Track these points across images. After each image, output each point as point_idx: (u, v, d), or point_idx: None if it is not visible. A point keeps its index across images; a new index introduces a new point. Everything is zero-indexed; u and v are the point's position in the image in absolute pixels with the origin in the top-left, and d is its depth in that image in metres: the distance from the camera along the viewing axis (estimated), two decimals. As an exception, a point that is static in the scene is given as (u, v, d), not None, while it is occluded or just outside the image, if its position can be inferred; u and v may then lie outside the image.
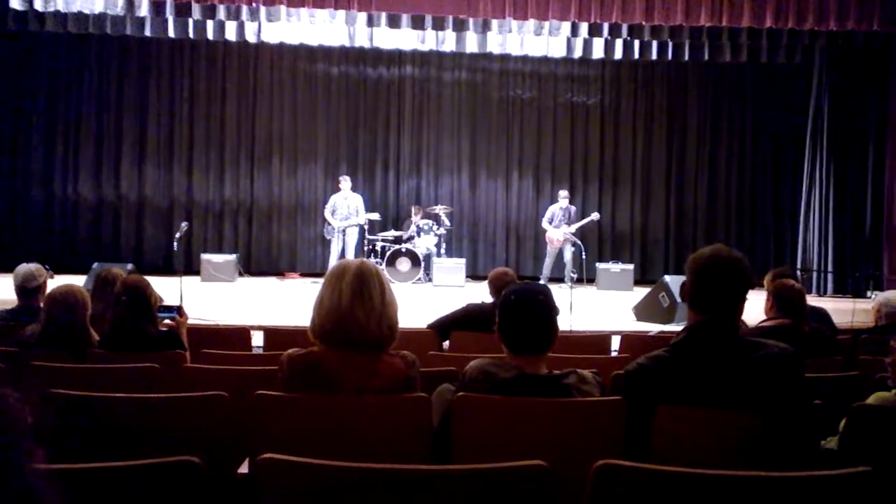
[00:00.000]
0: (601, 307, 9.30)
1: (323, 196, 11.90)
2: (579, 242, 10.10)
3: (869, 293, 10.69)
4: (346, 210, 11.10)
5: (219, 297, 9.25)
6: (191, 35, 10.45)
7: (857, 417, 2.43)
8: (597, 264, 11.53)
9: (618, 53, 10.89)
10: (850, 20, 9.32)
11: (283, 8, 9.64)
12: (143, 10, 9.76)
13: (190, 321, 4.14)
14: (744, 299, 2.25)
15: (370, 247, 11.32)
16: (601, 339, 4.71)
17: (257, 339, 4.88)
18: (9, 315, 4.35)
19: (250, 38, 10.57)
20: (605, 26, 10.14)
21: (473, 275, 11.81)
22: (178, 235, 8.59)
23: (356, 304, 2.28)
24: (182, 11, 9.89)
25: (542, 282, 9.54)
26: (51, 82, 12.09)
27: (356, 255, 10.94)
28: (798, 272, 11.25)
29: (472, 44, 10.72)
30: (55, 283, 4.00)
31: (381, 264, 10.61)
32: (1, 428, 0.85)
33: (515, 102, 12.85)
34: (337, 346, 2.30)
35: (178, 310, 3.94)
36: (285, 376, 2.32)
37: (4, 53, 11.55)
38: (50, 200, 12.15)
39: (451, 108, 12.84)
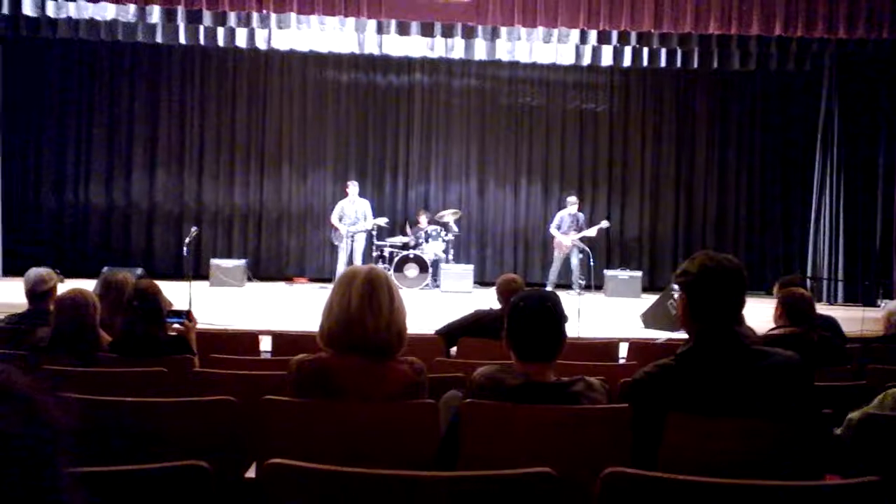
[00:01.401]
0: (609, 314, 9.28)
1: (332, 202, 11.93)
2: (587, 249, 10.07)
3: (879, 302, 10.64)
4: (353, 215, 11.11)
5: (228, 302, 9.27)
6: (201, 42, 10.51)
7: (866, 426, 2.41)
8: (605, 271, 11.49)
9: (627, 61, 10.88)
10: (859, 28, 9.29)
11: (293, 15, 9.68)
12: (155, 16, 9.82)
13: (199, 326, 4.14)
14: (743, 301, 2.24)
15: (378, 252, 11.32)
16: (609, 347, 4.70)
17: (266, 344, 4.89)
18: (19, 319, 4.37)
19: (261, 44, 10.62)
20: (614, 34, 10.13)
21: (481, 281, 11.80)
22: (187, 240, 8.62)
23: (365, 311, 2.29)
24: (193, 18, 9.94)
25: (548, 288, 9.53)
26: (62, 88, 12.17)
27: (364, 261, 10.94)
28: (808, 280, 11.20)
29: (481, 51, 10.73)
30: (65, 287, 4.02)
31: (388, 270, 10.62)
32: (41, 438, 0.85)
33: (524, 109, 12.86)
34: (345, 351, 2.31)
35: (187, 314, 3.95)
36: (293, 381, 2.33)
37: (17, 59, 11.64)
38: (61, 205, 12.22)
39: (460, 114, 12.85)
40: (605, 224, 11.38)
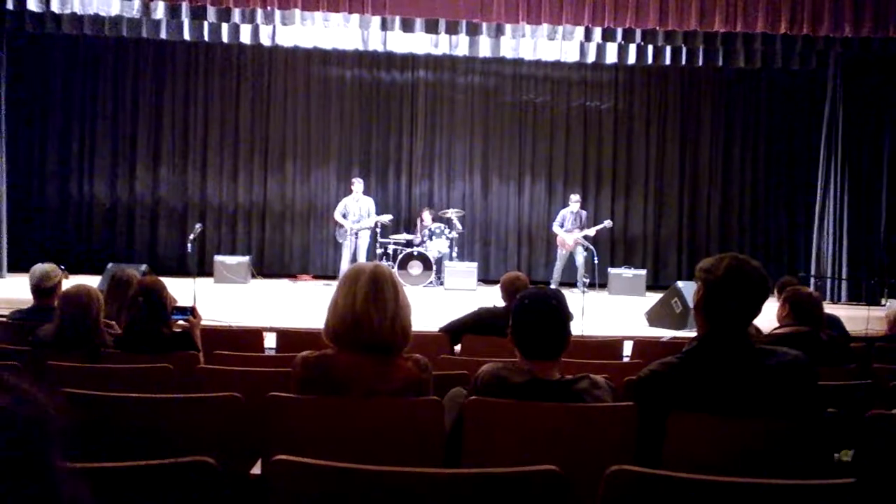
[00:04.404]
0: (613, 312, 9.28)
1: (335, 199, 11.94)
2: (591, 247, 10.06)
3: (883, 301, 10.61)
4: (357, 213, 11.11)
5: (232, 299, 9.28)
6: (206, 38, 10.51)
7: (873, 426, 2.41)
8: (609, 269, 11.48)
9: (631, 58, 10.85)
10: (865, 26, 9.26)
11: (297, 11, 9.68)
12: (159, 12, 9.82)
13: (203, 322, 4.15)
14: (759, 311, 2.23)
15: (382, 250, 11.32)
16: (613, 345, 4.70)
17: (270, 341, 4.90)
18: (24, 315, 4.39)
19: (265, 41, 10.62)
20: (619, 31, 10.11)
21: (485, 279, 11.79)
22: (191, 237, 8.63)
23: (370, 307, 2.29)
24: (197, 14, 9.94)
25: (552, 286, 9.53)
26: (67, 84, 12.19)
27: (368, 258, 10.95)
28: (812, 279, 11.18)
29: (485, 48, 10.72)
30: (70, 283, 4.03)
31: (392, 267, 10.62)
32: (30, 429, 0.86)
33: (528, 107, 12.84)
34: (350, 348, 2.31)
35: (192, 311, 3.96)
36: (298, 378, 2.33)
37: (21, 55, 11.65)
38: (65, 201, 12.24)
39: (464, 112, 12.85)
40: (607, 223, 11.37)
